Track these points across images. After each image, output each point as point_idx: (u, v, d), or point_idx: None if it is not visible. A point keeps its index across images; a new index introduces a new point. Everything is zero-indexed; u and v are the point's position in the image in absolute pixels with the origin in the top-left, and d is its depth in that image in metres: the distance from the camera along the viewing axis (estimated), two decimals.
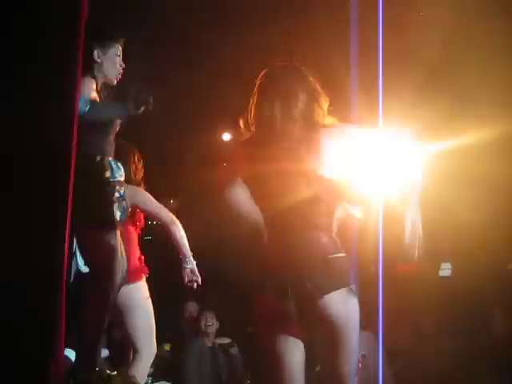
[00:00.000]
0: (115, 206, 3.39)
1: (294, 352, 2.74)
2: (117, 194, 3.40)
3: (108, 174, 3.39)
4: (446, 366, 6.13)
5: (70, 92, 2.87)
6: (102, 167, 3.38)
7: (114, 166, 3.43)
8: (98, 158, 3.38)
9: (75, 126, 2.89)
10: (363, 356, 5.56)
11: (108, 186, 3.37)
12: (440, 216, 6.80)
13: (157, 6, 4.57)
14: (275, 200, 2.75)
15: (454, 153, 5.83)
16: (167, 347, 5.87)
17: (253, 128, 2.85)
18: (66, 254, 2.92)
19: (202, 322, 5.89)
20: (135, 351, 3.82)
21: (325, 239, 2.75)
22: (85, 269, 3.61)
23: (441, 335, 6.47)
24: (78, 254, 3.64)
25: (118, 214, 3.39)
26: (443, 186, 6.14)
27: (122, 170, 3.48)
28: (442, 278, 7.61)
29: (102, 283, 3.36)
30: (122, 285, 3.64)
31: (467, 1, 4.80)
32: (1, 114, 2.83)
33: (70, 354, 3.85)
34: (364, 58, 4.38)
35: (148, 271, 3.94)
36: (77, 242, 3.47)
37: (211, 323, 5.91)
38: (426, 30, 5.18)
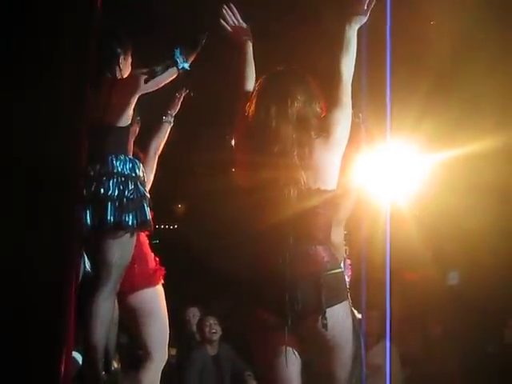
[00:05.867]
0: (126, 206, 3.38)
1: (290, 363, 2.75)
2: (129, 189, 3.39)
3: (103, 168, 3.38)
4: (455, 374, 6.12)
5: (80, 101, 2.91)
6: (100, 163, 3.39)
7: (120, 160, 3.42)
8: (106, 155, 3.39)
9: (85, 134, 2.93)
10: (378, 367, 5.56)
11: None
12: (448, 224, 6.79)
13: (161, 12, 4.62)
14: (270, 210, 2.74)
15: (463, 161, 5.83)
16: (172, 352, 5.83)
17: (251, 134, 2.85)
18: (75, 256, 2.95)
19: (206, 330, 5.75)
20: (147, 356, 3.76)
21: (323, 254, 2.73)
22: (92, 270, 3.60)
23: (449, 343, 6.46)
24: (85, 255, 3.65)
25: (130, 217, 3.40)
26: (451, 195, 6.15)
27: (137, 165, 3.48)
28: (450, 286, 7.60)
29: (105, 287, 3.37)
30: (139, 289, 3.65)
31: (478, 10, 4.80)
32: (12, 122, 2.87)
33: (78, 356, 3.86)
34: (372, 67, 4.39)
35: (164, 272, 3.88)
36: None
37: (215, 330, 5.78)
38: (435, 39, 5.19)
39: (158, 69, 3.41)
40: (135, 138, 3.65)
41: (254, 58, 3.09)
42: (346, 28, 2.88)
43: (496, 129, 5.51)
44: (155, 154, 3.97)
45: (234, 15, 3.13)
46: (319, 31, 4.45)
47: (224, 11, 3.13)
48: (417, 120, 5.44)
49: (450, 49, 5.11)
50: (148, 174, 3.82)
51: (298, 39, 4.92)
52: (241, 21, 3.14)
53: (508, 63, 5.20)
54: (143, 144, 3.92)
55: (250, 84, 3.03)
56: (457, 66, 5.38)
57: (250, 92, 2.98)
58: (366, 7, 2.89)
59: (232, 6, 3.14)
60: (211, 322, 5.75)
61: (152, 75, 3.40)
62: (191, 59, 3.47)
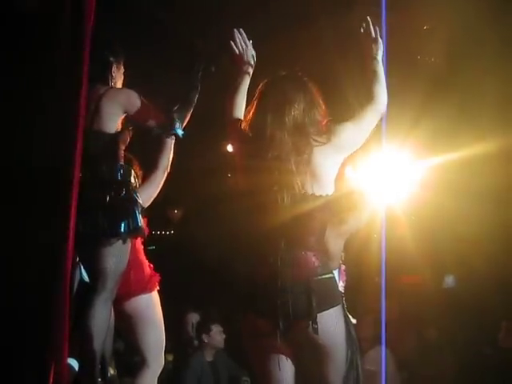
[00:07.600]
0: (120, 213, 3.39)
1: (283, 368, 2.76)
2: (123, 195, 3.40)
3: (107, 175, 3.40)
4: (450, 377, 6.13)
5: (74, 104, 2.91)
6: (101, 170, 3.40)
7: (111, 167, 3.43)
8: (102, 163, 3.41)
9: (80, 138, 2.92)
10: (373, 371, 5.55)
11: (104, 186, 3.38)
12: (444, 228, 6.81)
13: (157, 17, 4.62)
14: (263, 215, 2.75)
15: (458, 166, 5.85)
16: (169, 358, 5.82)
17: (248, 138, 2.86)
18: (69, 264, 2.94)
19: (204, 335, 5.75)
20: (143, 363, 3.75)
21: (313, 259, 2.73)
22: (88, 279, 3.60)
23: (445, 346, 6.47)
24: (80, 264, 3.64)
25: (122, 224, 3.40)
26: (447, 199, 6.16)
27: (128, 171, 3.49)
28: (446, 289, 7.61)
29: (101, 295, 3.37)
30: (134, 295, 3.65)
31: (471, 15, 4.82)
32: (7, 126, 2.86)
33: (74, 363, 3.86)
34: None
35: (160, 278, 3.88)
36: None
37: (212, 336, 5.77)
38: (431, 42, 5.21)
39: (155, 130, 3.51)
40: (131, 145, 3.65)
41: (261, 63, 3.09)
42: (371, 62, 2.92)
43: (491, 133, 5.53)
44: (164, 172, 3.94)
45: (243, 39, 3.10)
46: (320, 38, 4.46)
47: (235, 33, 3.10)
48: (412, 124, 5.45)
49: (446, 52, 5.12)
50: (153, 188, 3.82)
51: (301, 45, 4.94)
52: (250, 46, 3.11)
53: (504, 67, 5.22)
54: (153, 161, 3.91)
55: (239, 112, 3.02)
56: (452, 70, 5.40)
57: (237, 118, 2.99)
58: (375, 36, 2.94)
59: (242, 31, 3.11)
60: (208, 327, 5.74)
61: (147, 131, 3.48)
62: (185, 122, 3.53)
